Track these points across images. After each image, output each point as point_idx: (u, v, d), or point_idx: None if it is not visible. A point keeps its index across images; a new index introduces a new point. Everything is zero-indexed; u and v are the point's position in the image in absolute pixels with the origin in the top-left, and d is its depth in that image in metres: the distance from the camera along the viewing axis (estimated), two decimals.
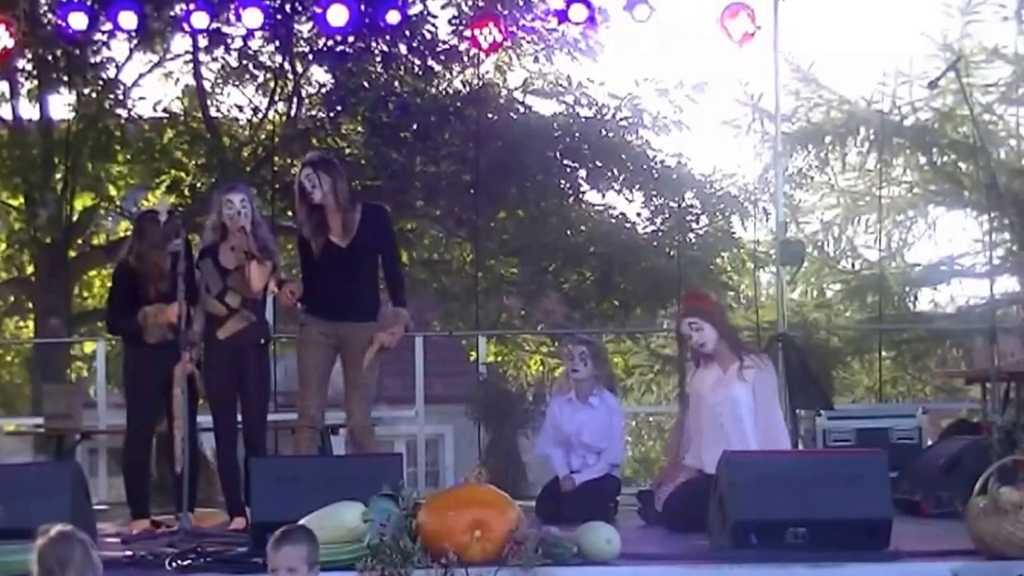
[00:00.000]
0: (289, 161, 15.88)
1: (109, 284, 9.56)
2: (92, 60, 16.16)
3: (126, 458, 8.67)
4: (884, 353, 15.05)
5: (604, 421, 9.08)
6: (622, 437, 9.50)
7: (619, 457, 9.34)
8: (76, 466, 8.77)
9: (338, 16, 11.71)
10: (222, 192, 8.69)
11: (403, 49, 16.02)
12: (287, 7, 15.38)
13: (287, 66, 16.65)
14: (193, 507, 8.17)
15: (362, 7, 11.97)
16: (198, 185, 16.51)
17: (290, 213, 15.28)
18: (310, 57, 16.44)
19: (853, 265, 17.61)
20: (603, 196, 16.76)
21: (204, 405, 8.83)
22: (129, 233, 9.37)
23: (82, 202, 16.92)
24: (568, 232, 16.61)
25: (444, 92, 16.47)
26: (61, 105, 16.50)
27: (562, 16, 12.15)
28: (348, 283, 8.55)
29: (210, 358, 8.58)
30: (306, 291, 8.66)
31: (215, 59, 16.69)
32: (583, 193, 16.68)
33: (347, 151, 16.18)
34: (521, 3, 15.80)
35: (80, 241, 17.18)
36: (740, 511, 6.73)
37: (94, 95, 16.31)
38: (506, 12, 14.83)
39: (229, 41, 16.15)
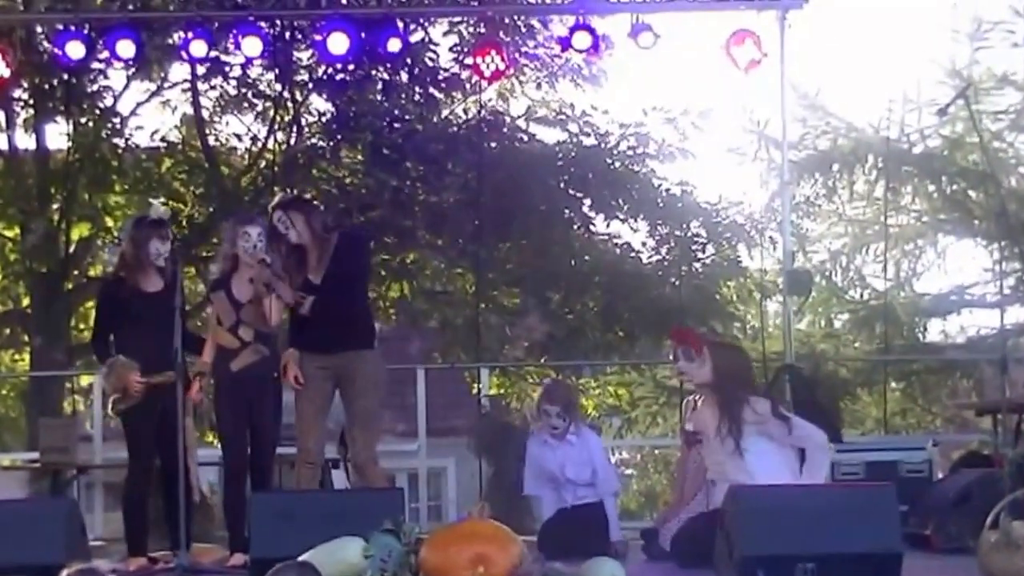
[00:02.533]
0: (289, 190, 15.68)
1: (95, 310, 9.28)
2: (89, 89, 16.06)
3: (127, 494, 8.54)
4: (893, 384, 15.13)
5: (584, 454, 9.06)
6: (610, 466, 9.54)
7: (612, 486, 9.30)
8: (71, 502, 9.12)
9: (338, 44, 11.60)
10: (238, 223, 8.63)
11: (404, 77, 15.92)
12: (287, 35, 15.25)
13: (287, 94, 16.54)
14: (190, 543, 8.08)
15: (362, 35, 11.76)
16: (196, 215, 16.37)
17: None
18: (310, 85, 16.36)
19: (861, 295, 17.63)
20: (607, 225, 16.70)
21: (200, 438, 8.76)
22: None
23: (79, 232, 16.75)
24: (572, 262, 16.53)
25: (446, 120, 16.39)
26: (57, 134, 16.43)
27: (565, 43, 11.94)
28: (333, 316, 8.48)
29: (221, 391, 8.52)
30: (296, 329, 8.63)
31: (214, 87, 16.60)
32: (587, 222, 16.55)
33: (347, 180, 16.01)
34: (524, 30, 15.69)
35: (76, 272, 17.00)
36: (747, 546, 6.65)
37: (91, 124, 16.20)
38: (508, 39, 14.72)
39: (228, 69, 16.04)
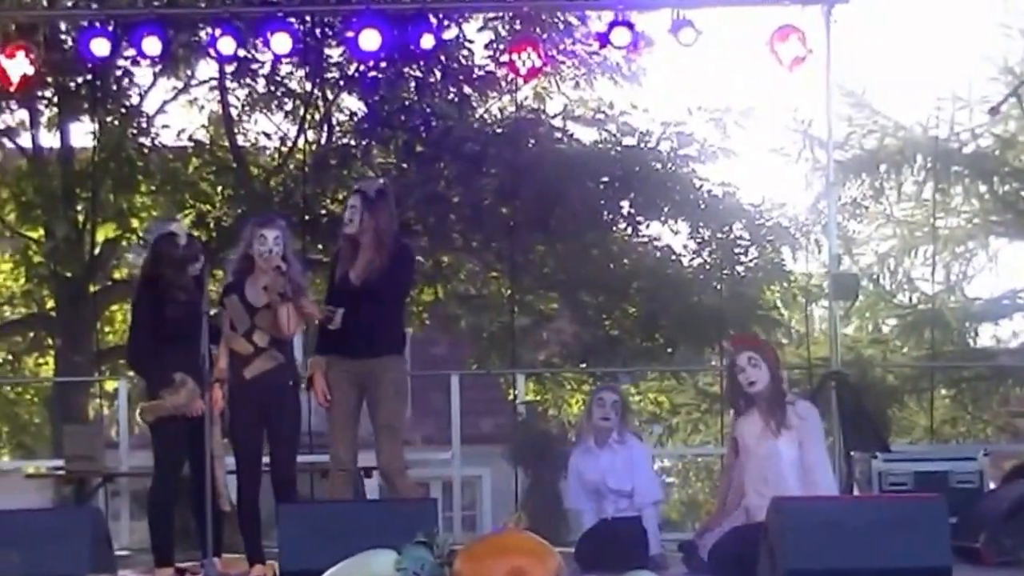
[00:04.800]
0: (319, 191, 15.62)
1: (130, 316, 9.47)
2: (114, 87, 15.92)
3: (152, 503, 8.50)
4: (943, 391, 15.18)
5: (627, 462, 9.02)
6: (654, 475, 9.51)
7: (655, 496, 9.21)
8: (96, 511, 9.14)
9: (370, 41, 11.49)
10: (255, 225, 8.49)
11: (438, 75, 15.75)
12: (317, 32, 15.10)
13: (317, 93, 16.31)
14: (219, 552, 8.08)
15: (395, 31, 11.65)
16: (224, 218, 16.20)
17: (320, 246, 15.01)
18: (341, 83, 16.12)
19: (910, 299, 17.42)
20: (647, 227, 16.32)
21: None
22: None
23: (104, 234, 16.57)
24: (610, 265, 16.20)
25: (481, 120, 16.16)
26: (83, 134, 16.30)
27: (604, 40, 11.81)
28: (362, 322, 8.39)
29: (235, 398, 8.37)
30: (324, 331, 8.58)
31: (242, 85, 16.38)
32: (626, 224, 16.22)
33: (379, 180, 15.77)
34: (561, 26, 15.46)
35: (101, 275, 16.84)
36: (791, 559, 6.62)
37: (116, 123, 16.03)
38: (545, 36, 14.48)
39: (257, 67, 15.88)
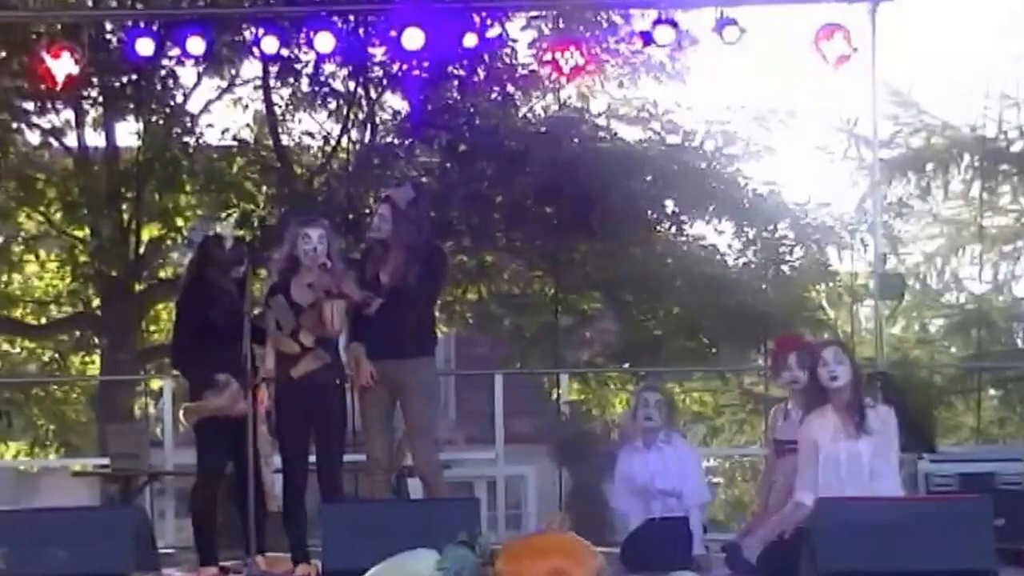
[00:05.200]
0: (362, 191, 15.59)
1: (174, 317, 9.40)
2: (159, 87, 15.98)
3: (194, 502, 8.54)
4: (991, 392, 14.97)
5: (675, 463, 8.96)
6: (701, 476, 9.42)
7: (702, 497, 9.16)
8: (140, 510, 9.38)
9: (413, 40, 11.51)
10: (298, 225, 8.52)
11: (481, 74, 15.71)
12: (360, 31, 14.98)
13: (360, 92, 16.31)
14: (263, 551, 8.12)
15: (438, 30, 11.64)
16: (267, 217, 16.21)
17: (363, 245, 15.01)
18: (384, 83, 16.14)
19: (957, 299, 17.34)
20: (691, 226, 16.27)
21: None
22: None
23: (148, 233, 16.67)
24: (654, 265, 16.08)
25: (524, 119, 16.15)
26: (127, 134, 16.39)
27: (647, 38, 11.81)
28: (392, 323, 8.42)
29: (281, 398, 8.39)
30: (354, 332, 8.59)
31: (286, 85, 16.38)
32: (671, 223, 16.16)
33: (423, 180, 15.75)
34: (605, 25, 15.38)
35: (146, 274, 16.93)
36: (833, 561, 6.58)
37: (161, 123, 16.12)
38: (588, 34, 14.44)
39: (300, 66, 15.87)
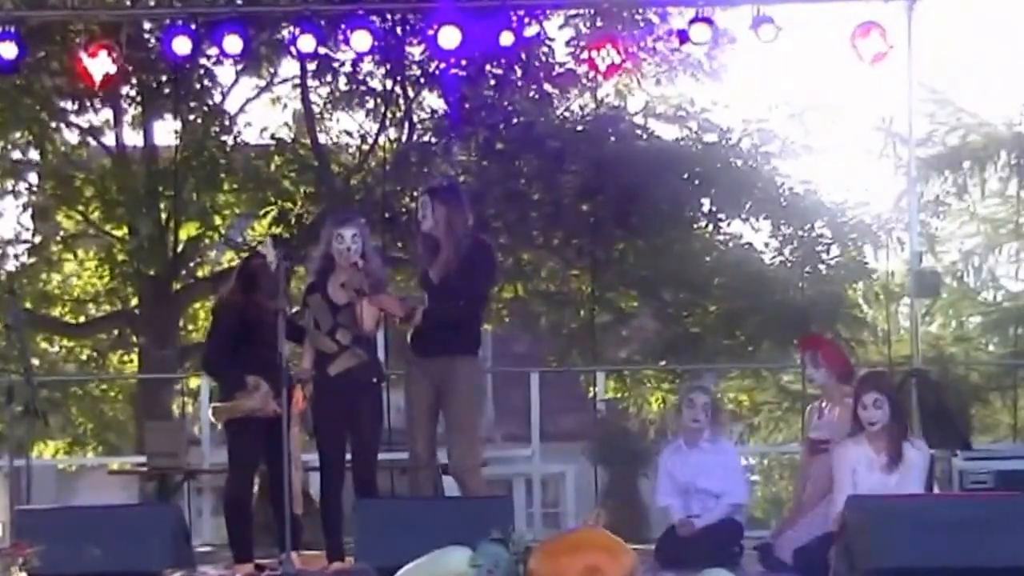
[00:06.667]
0: (399, 189, 15.60)
1: (211, 320, 9.44)
2: (197, 86, 16.03)
3: (227, 499, 8.53)
4: None
5: (718, 463, 8.96)
6: (742, 477, 9.40)
7: (741, 498, 9.15)
8: (176, 508, 9.34)
9: (450, 38, 11.40)
10: (333, 224, 8.53)
11: (518, 72, 15.69)
12: (398, 29, 15.09)
13: (398, 90, 16.30)
14: (299, 548, 8.10)
15: (475, 29, 11.56)
16: (305, 215, 16.24)
17: (400, 244, 15.04)
18: (422, 81, 16.11)
19: (994, 296, 17.31)
20: (728, 225, 16.24)
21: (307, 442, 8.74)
22: (234, 265, 9.20)
23: (187, 232, 16.70)
24: (691, 263, 16.10)
25: (562, 117, 16.10)
26: (166, 132, 16.46)
27: (684, 36, 11.70)
28: (439, 321, 8.44)
29: (319, 396, 8.40)
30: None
31: (323, 83, 16.39)
32: (708, 222, 16.14)
33: (461, 178, 15.77)
34: (642, 23, 15.34)
35: (185, 272, 16.99)
36: (869, 558, 6.55)
37: (199, 121, 16.16)
38: (626, 32, 14.33)
39: (338, 65, 15.87)
